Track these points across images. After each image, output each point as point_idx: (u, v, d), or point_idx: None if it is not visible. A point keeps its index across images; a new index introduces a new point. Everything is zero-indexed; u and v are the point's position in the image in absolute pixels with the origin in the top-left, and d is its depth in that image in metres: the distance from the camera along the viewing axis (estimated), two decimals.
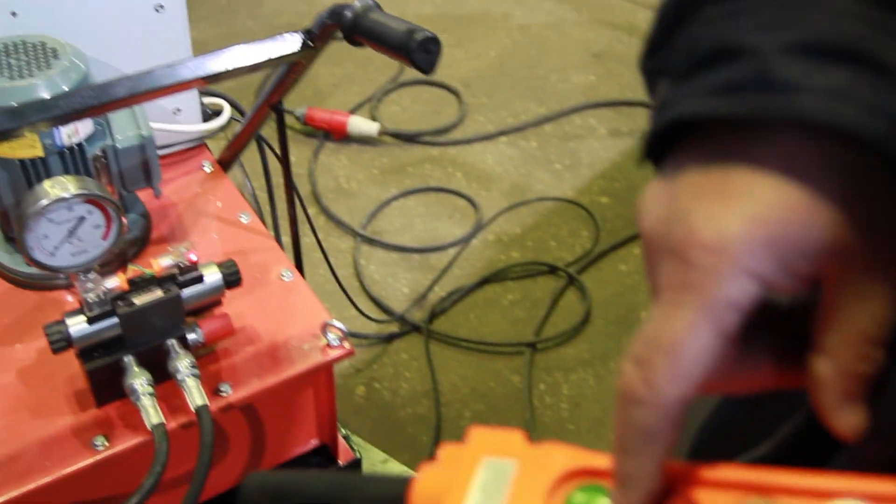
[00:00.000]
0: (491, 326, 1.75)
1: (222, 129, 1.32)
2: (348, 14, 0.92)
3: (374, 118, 2.29)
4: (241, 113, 1.34)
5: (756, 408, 0.50)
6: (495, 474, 0.41)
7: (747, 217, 0.33)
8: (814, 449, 0.45)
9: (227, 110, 1.34)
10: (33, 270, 1.07)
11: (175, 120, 1.27)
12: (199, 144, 1.32)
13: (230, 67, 0.95)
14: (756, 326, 0.38)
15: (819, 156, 0.33)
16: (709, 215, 0.34)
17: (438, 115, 2.33)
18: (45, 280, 1.07)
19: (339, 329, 1.02)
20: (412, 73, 2.39)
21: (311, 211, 2.04)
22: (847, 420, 0.37)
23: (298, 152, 2.20)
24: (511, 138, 2.29)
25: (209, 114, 1.33)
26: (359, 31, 0.92)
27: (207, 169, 1.28)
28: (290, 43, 0.98)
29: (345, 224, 2.00)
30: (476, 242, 1.97)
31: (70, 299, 1.07)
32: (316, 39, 0.98)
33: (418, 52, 0.86)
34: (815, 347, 0.37)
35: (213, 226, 1.19)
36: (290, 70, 1.04)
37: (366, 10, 0.92)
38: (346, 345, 1.02)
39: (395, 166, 2.17)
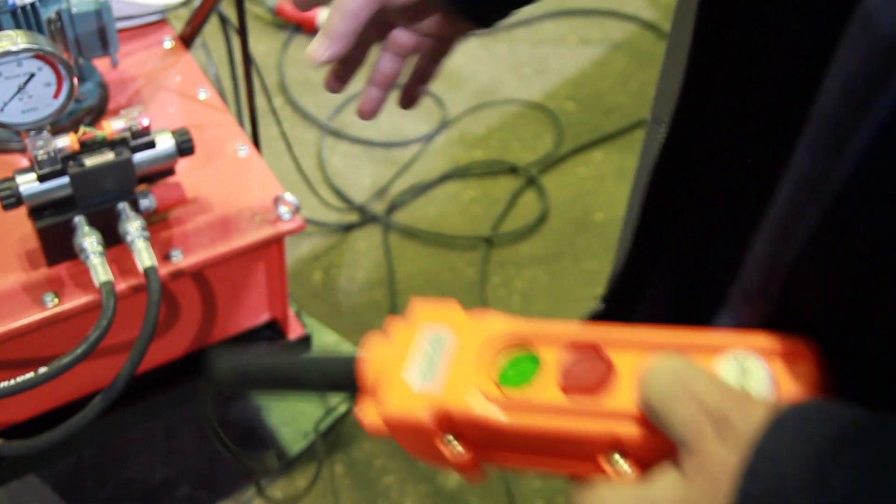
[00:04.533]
0: (449, 221, 1.78)
1: (184, 4, 1.30)
2: None
3: None
4: None
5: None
6: (434, 343, 0.45)
7: None
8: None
9: None
10: None
11: None
12: (160, 20, 1.31)
13: None
14: None
15: None
16: None
17: None
18: (1, 143, 1.08)
19: (291, 203, 1.04)
20: None
21: (278, 101, 2.03)
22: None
23: (268, 43, 2.18)
24: (482, 41, 2.28)
25: None
26: None
27: (168, 44, 1.27)
28: None
29: (311, 116, 2.00)
30: (440, 140, 1.98)
31: (24, 163, 1.07)
32: None
33: None
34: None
35: (171, 99, 1.19)
36: None
37: None
38: (298, 218, 1.04)
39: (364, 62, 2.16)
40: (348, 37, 0.57)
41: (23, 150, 1.08)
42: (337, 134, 1.97)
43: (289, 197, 1.04)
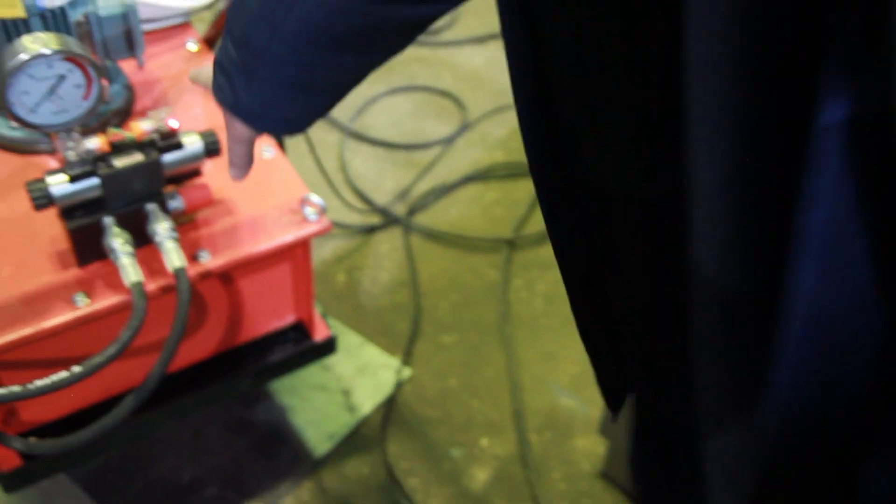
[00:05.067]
0: (471, 223, 1.78)
1: (208, 7, 1.31)
2: None
3: None
4: None
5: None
6: None
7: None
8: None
9: None
10: (16, 134, 1.08)
11: None
12: (184, 22, 1.32)
13: None
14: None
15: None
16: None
17: None
18: (29, 144, 1.08)
19: (317, 204, 1.04)
20: None
21: None
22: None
23: None
24: (501, 43, 2.28)
25: None
26: None
27: (192, 47, 1.28)
28: None
29: (332, 117, 2.00)
30: (461, 142, 1.98)
31: (53, 164, 1.08)
32: None
33: None
34: None
35: (197, 101, 1.19)
36: None
37: None
38: (324, 220, 1.04)
39: (385, 64, 2.16)
40: (246, 165, 0.83)
41: (51, 152, 1.09)
42: (358, 136, 1.98)
43: (314, 198, 1.04)
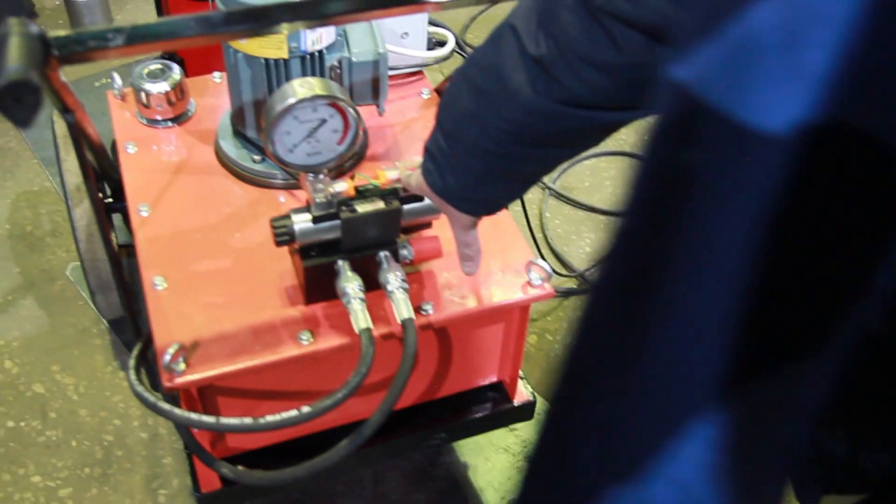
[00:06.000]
0: None
1: (445, 59, 1.33)
2: None
3: None
4: (463, 47, 1.35)
5: None
6: None
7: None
8: None
9: (451, 42, 1.35)
10: (257, 167, 1.11)
11: (402, 44, 1.29)
12: (418, 71, 1.34)
13: None
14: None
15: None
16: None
17: None
18: (265, 177, 1.11)
19: (544, 269, 1.02)
20: None
21: None
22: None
23: None
24: None
25: (433, 43, 1.35)
26: None
27: (426, 95, 1.30)
28: None
29: None
30: None
31: (282, 199, 1.10)
32: None
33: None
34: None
35: None
36: None
37: None
38: (547, 286, 1.02)
39: None
40: (477, 255, 0.90)
41: (284, 187, 1.11)
42: (559, 196, 1.96)
43: (542, 263, 1.02)
